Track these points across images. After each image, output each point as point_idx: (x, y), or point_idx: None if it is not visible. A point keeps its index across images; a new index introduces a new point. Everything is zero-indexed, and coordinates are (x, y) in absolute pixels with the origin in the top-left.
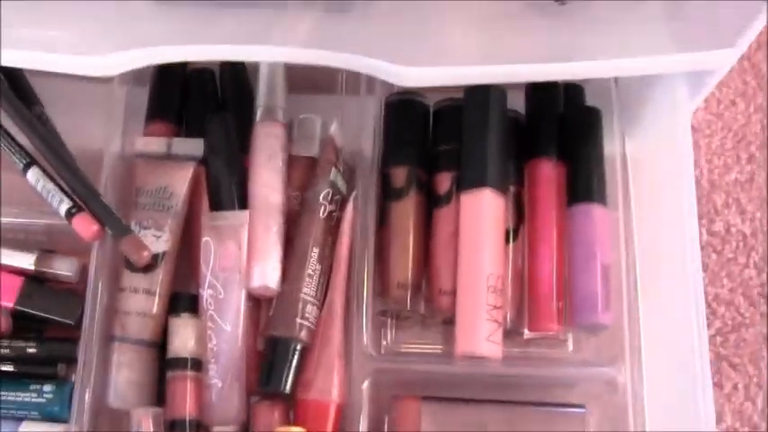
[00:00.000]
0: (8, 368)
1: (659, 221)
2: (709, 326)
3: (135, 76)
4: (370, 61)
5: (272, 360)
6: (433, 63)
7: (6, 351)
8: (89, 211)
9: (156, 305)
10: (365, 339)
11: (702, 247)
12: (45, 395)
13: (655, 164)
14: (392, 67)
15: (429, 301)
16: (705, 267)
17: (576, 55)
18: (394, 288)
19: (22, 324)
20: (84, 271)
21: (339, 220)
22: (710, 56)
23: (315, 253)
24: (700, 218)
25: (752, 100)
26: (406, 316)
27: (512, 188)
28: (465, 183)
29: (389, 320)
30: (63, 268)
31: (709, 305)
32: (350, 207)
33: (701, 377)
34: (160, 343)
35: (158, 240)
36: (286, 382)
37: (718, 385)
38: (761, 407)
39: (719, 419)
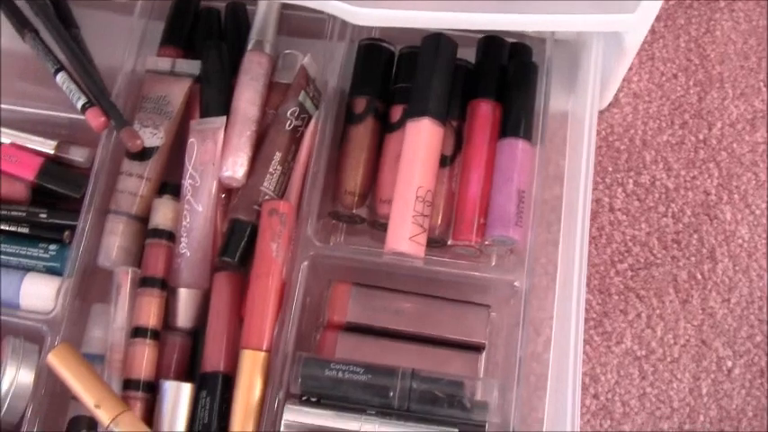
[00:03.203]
0: (24, 229)
1: (568, 161)
2: (621, 261)
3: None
4: (331, 2)
5: (230, 237)
6: (385, 6)
7: (23, 215)
8: (99, 106)
9: (145, 187)
10: (309, 229)
11: (627, 195)
12: (50, 252)
13: (575, 116)
14: (349, 6)
15: (372, 209)
16: (627, 212)
17: (512, 8)
18: (344, 194)
19: (40, 198)
20: (93, 159)
21: (303, 135)
22: (615, 18)
23: (277, 156)
24: (628, 170)
25: (693, 75)
26: (353, 220)
27: (454, 123)
28: (410, 112)
29: (341, 225)
30: (77, 155)
31: (626, 244)
32: (313, 123)
33: (576, 289)
34: (145, 219)
35: (154, 137)
36: (239, 254)
37: (623, 312)
38: (659, 335)
39: (620, 340)
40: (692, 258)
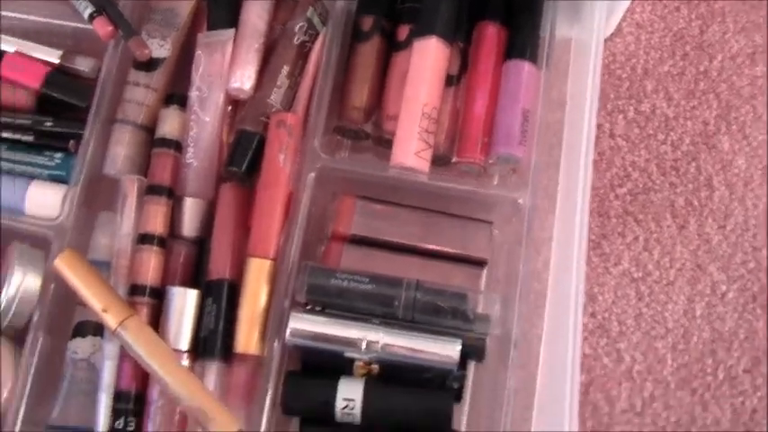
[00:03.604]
0: (29, 138)
1: (571, 87)
2: (621, 185)
3: None
4: None
5: (237, 147)
6: None
7: (28, 123)
8: (107, 15)
9: (151, 97)
10: (316, 142)
11: (628, 122)
12: (55, 160)
13: (580, 43)
14: None
15: (377, 125)
16: (627, 138)
17: None
18: (350, 110)
19: (46, 107)
20: (100, 70)
21: (310, 51)
22: None
23: (285, 70)
24: (629, 98)
25: (695, 9)
26: (358, 136)
27: (460, 44)
28: (418, 31)
29: (346, 141)
30: (83, 65)
31: (625, 169)
32: (320, 39)
33: (579, 211)
34: (151, 129)
35: (161, 48)
36: (246, 164)
37: (621, 234)
38: (656, 258)
39: (617, 262)
40: (690, 185)
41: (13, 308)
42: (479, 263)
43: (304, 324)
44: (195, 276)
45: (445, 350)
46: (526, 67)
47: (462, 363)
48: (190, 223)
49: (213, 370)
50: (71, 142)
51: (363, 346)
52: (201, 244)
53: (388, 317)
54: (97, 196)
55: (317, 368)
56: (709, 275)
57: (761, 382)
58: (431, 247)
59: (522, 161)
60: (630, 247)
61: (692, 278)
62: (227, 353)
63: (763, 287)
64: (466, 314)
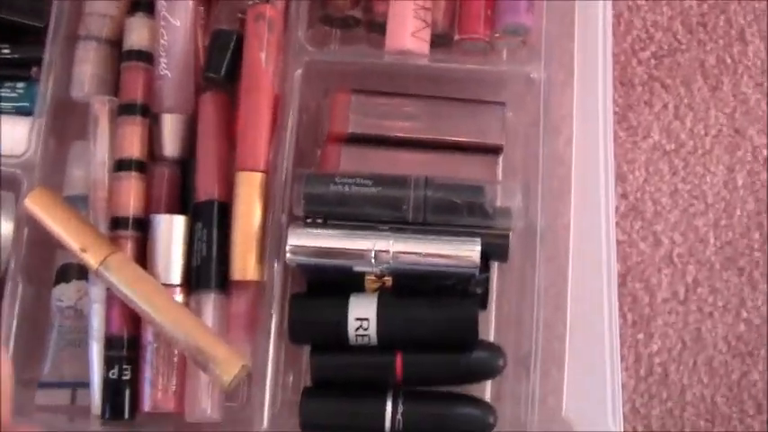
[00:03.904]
0: None
1: None
2: (643, 49)
3: None
4: None
5: (213, 50)
6: None
7: None
8: None
9: (114, 6)
10: (301, 34)
11: None
12: (17, 91)
13: None
14: None
15: (367, 9)
16: None
17: None
18: None
19: (1, 33)
20: None
21: None
22: None
23: None
24: None
25: None
26: (347, 23)
27: None
28: None
29: (334, 31)
30: None
31: (647, 30)
32: None
33: (602, 80)
34: (118, 42)
35: None
36: (224, 68)
37: (648, 104)
38: (689, 126)
39: (647, 135)
40: (720, 41)
41: None
42: (494, 150)
43: (304, 239)
44: (182, 200)
45: (464, 252)
46: None
47: (484, 264)
48: (171, 142)
49: (210, 302)
50: (33, 69)
51: (372, 256)
52: (185, 164)
53: (397, 221)
54: (68, 125)
55: (323, 288)
56: (749, 140)
57: None
58: (438, 137)
59: (531, 31)
60: (660, 117)
61: (731, 145)
62: (224, 282)
63: None
64: (484, 208)
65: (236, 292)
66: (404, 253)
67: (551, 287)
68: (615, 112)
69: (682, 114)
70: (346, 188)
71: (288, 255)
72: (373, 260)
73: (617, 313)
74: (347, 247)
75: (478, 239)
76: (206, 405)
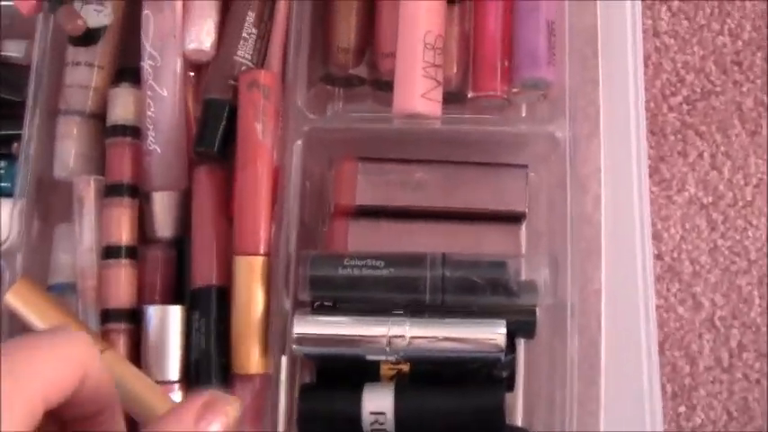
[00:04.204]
0: None
1: None
2: (674, 94)
3: None
4: None
5: (205, 121)
6: None
7: None
8: None
9: (97, 77)
10: (299, 100)
11: (673, 14)
12: None
13: None
14: None
15: (373, 66)
16: (675, 35)
17: None
18: (336, 52)
19: None
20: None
21: None
22: None
23: (250, 17)
24: None
25: None
26: (350, 83)
27: None
28: None
29: (337, 91)
30: (13, 49)
31: (677, 73)
32: None
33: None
34: (102, 116)
35: (99, 14)
36: (218, 141)
37: (682, 154)
38: (727, 176)
39: (681, 188)
40: (758, 81)
41: None
42: (516, 218)
43: (311, 327)
44: (178, 286)
45: (488, 335)
46: None
47: (510, 344)
48: (163, 222)
49: None
50: (14, 145)
51: (387, 344)
52: (180, 246)
53: (413, 304)
54: (52, 206)
55: (335, 377)
56: None
57: None
58: (454, 207)
59: (552, 84)
60: (695, 167)
61: None
62: (226, 375)
63: None
64: (508, 286)
65: (240, 385)
66: (421, 338)
67: (583, 361)
68: (647, 165)
69: (719, 164)
70: (356, 270)
71: (294, 345)
72: (387, 348)
73: (658, 386)
74: (358, 335)
75: (503, 321)
76: None
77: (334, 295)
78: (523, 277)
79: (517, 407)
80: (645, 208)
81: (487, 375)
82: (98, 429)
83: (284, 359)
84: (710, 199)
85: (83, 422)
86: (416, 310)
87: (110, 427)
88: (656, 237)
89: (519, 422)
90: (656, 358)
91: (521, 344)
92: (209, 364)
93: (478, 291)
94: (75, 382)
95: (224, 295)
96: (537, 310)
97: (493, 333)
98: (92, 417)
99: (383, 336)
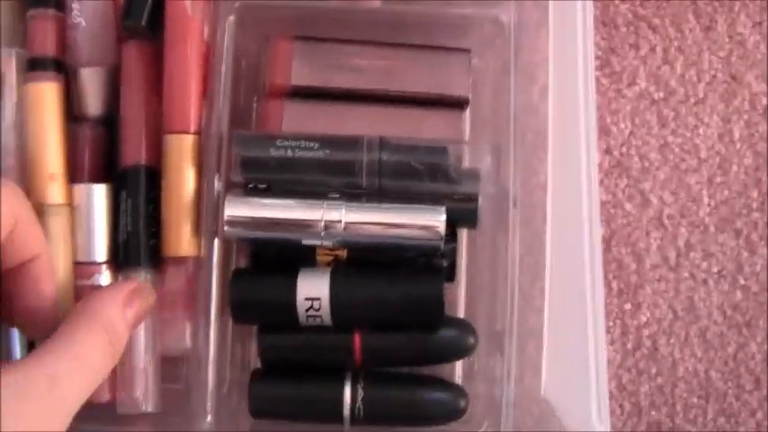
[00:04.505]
0: None
1: None
2: None
3: None
4: None
5: None
6: None
7: None
8: None
9: None
10: None
11: None
12: None
13: None
14: None
15: None
16: None
17: None
18: None
19: None
20: None
21: None
22: None
23: None
24: None
25: None
26: None
27: None
28: None
29: None
30: None
31: None
32: None
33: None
34: None
35: None
36: (146, 15)
37: (634, 46)
38: (680, 71)
39: (632, 82)
40: None
41: None
42: (459, 103)
43: (243, 209)
44: (108, 167)
45: (427, 221)
46: None
47: (451, 233)
48: (91, 99)
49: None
50: None
51: (322, 228)
52: (110, 123)
53: (349, 188)
54: None
55: (270, 262)
56: (747, 87)
57: None
58: (394, 90)
59: None
60: (646, 61)
61: (726, 92)
62: (156, 258)
63: None
64: (448, 172)
65: (172, 269)
66: (357, 224)
67: (527, 255)
68: (597, 57)
69: (671, 58)
70: (290, 152)
71: (225, 227)
72: (323, 232)
73: (601, 282)
74: (292, 218)
75: (443, 208)
76: (140, 394)
77: (266, 177)
78: (465, 165)
79: (459, 299)
80: (591, 101)
81: (427, 264)
82: (28, 281)
83: (216, 242)
84: (662, 94)
85: (14, 275)
86: (353, 193)
87: (40, 277)
88: (605, 131)
89: (461, 315)
90: (599, 254)
91: (463, 234)
92: (137, 246)
93: (417, 176)
94: (7, 229)
95: (154, 176)
96: (479, 199)
97: (432, 220)
98: (21, 267)
99: (318, 220)
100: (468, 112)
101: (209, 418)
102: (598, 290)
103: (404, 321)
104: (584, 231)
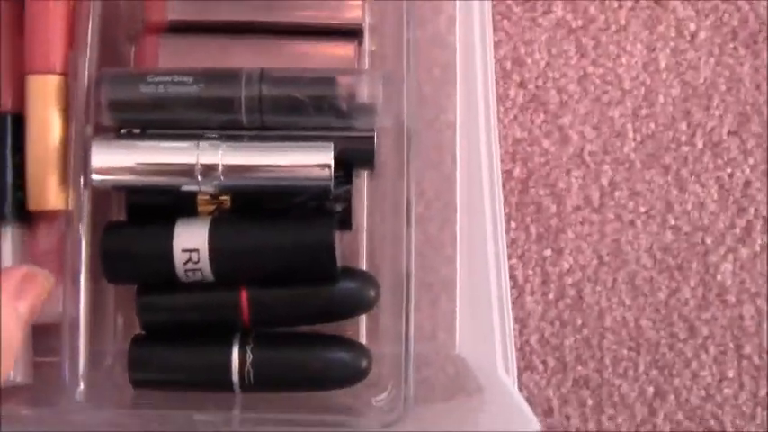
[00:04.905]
0: None
1: None
2: None
3: None
4: None
5: None
6: None
7: None
8: None
9: None
10: None
11: None
12: None
13: None
14: None
15: None
16: None
17: None
18: None
19: None
20: None
21: None
22: None
23: None
24: None
25: None
26: None
27: None
28: None
29: None
30: None
31: None
32: None
33: None
34: None
35: None
36: None
37: None
38: None
39: (548, 10)
40: None
41: None
42: (352, 32)
43: (112, 156)
44: None
45: (313, 160)
46: None
47: (346, 175)
48: None
49: (8, 238)
50: None
51: (198, 172)
52: None
53: (228, 126)
54: None
55: (147, 214)
56: (672, 12)
57: (752, 144)
58: (279, 20)
59: None
60: None
61: (650, 18)
62: (23, 212)
63: (744, 18)
64: (335, 105)
65: (41, 225)
66: (237, 166)
67: (436, 200)
68: None
69: None
70: (161, 88)
71: (92, 176)
72: (200, 177)
73: (502, 227)
74: (164, 162)
75: (330, 144)
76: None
77: (138, 118)
78: (358, 98)
79: (360, 249)
80: (487, 26)
81: (317, 209)
82: None
83: (86, 192)
84: (580, 22)
85: None
86: (233, 134)
87: None
88: (519, 62)
89: (363, 266)
90: (499, 196)
91: (364, 178)
92: (3, 200)
93: (302, 110)
94: None
95: (19, 122)
96: (375, 136)
97: (318, 158)
98: None
99: (193, 164)
100: (366, 45)
101: (80, 387)
102: (500, 237)
103: (294, 273)
104: (483, 172)
